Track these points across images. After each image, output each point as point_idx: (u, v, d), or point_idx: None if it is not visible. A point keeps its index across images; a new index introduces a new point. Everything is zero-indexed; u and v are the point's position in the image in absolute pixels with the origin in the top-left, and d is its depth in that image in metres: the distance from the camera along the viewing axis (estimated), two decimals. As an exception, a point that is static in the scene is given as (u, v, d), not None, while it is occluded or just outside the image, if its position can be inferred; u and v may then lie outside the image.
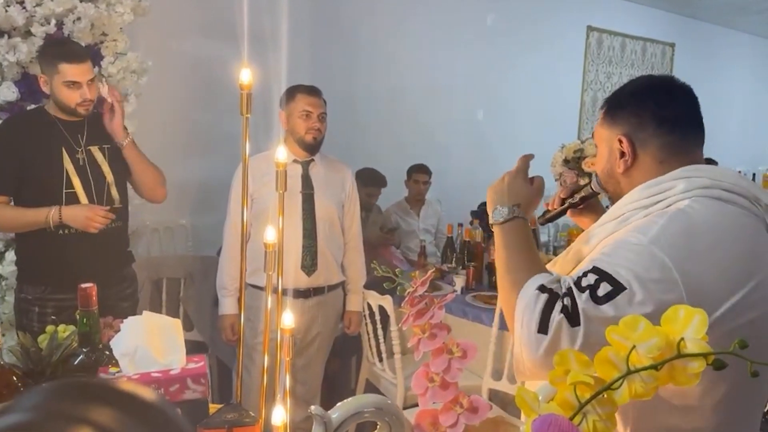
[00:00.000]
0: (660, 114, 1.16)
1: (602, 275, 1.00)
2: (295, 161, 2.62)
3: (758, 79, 9.13)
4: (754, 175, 7.10)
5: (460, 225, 3.98)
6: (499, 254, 1.22)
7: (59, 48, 2.22)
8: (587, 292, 0.99)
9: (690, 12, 7.46)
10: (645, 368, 0.78)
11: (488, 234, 3.65)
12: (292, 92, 2.62)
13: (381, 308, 2.81)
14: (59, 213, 2.16)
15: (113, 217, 2.22)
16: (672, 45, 7.65)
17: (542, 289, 1.03)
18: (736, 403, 1.09)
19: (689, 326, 0.79)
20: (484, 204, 4.68)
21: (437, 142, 5.11)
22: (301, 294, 2.64)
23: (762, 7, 7.09)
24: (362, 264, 2.84)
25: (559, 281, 1.05)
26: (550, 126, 5.81)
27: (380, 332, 2.89)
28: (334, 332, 2.87)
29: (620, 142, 1.18)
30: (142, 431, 0.37)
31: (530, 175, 1.36)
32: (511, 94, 5.80)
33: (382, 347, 2.91)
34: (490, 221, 1.26)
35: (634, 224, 1.09)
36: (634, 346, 0.79)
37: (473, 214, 4.23)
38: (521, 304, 1.04)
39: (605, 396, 0.80)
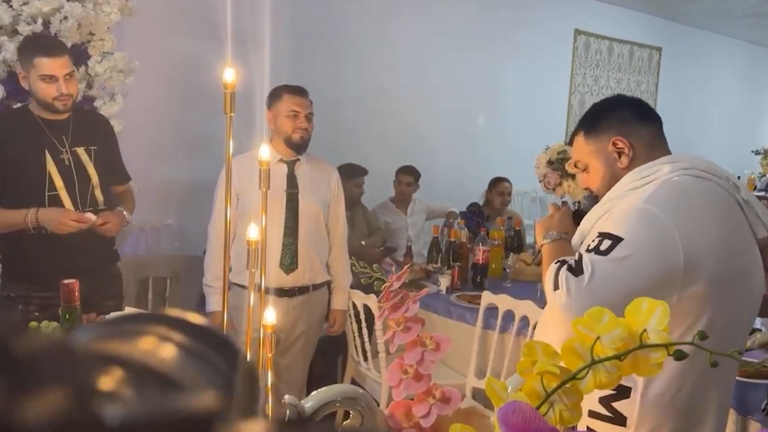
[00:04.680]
0: (636, 111, 1.42)
1: (603, 234, 1.21)
2: (280, 161, 2.63)
3: (744, 83, 9.22)
4: (738, 178, 7.17)
5: (447, 226, 4.00)
6: (546, 263, 1.44)
7: (34, 42, 2.22)
8: (593, 250, 1.21)
9: (677, 17, 7.53)
10: (609, 358, 0.81)
11: (474, 234, 3.68)
12: (278, 92, 2.63)
13: (366, 307, 2.83)
14: (36, 215, 2.17)
15: (89, 222, 2.20)
16: (659, 49, 7.72)
17: (557, 261, 1.27)
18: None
19: (652, 318, 0.81)
20: (472, 205, 4.71)
21: (425, 143, 5.13)
22: (286, 293, 2.65)
23: (747, 12, 7.17)
24: (347, 263, 2.85)
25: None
26: (538, 128, 5.85)
27: (365, 331, 2.91)
28: (318, 332, 2.88)
29: (614, 143, 1.37)
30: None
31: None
32: (498, 96, 5.84)
33: (367, 346, 2.93)
34: (541, 242, 1.50)
35: (631, 196, 1.28)
36: (598, 337, 0.82)
37: (461, 214, 4.27)
38: (546, 281, 1.29)
39: (571, 386, 0.83)
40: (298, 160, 2.68)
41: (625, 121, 1.38)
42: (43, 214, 2.17)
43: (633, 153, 1.36)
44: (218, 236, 2.64)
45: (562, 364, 0.83)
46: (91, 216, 2.22)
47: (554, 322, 1.35)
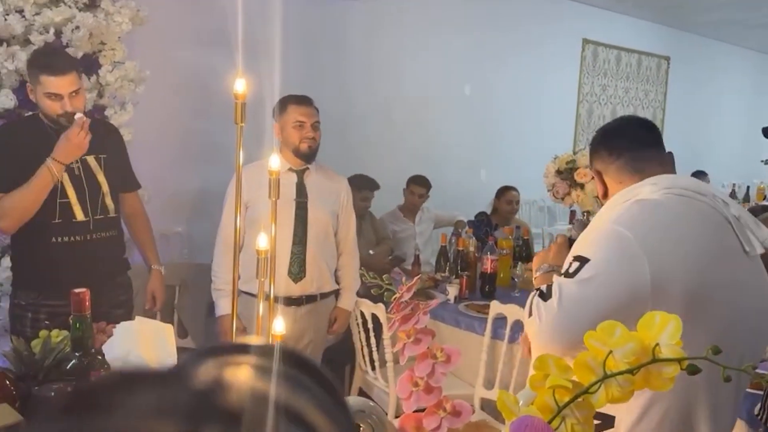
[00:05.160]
0: (609, 144, 1.46)
1: (574, 257, 1.23)
2: (290, 170, 2.64)
3: (753, 92, 9.19)
4: (748, 188, 7.13)
5: (455, 235, 4.00)
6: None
7: (41, 59, 2.20)
8: (563, 274, 1.23)
9: (685, 26, 7.52)
10: (621, 372, 0.81)
11: (482, 243, 3.68)
12: (283, 103, 2.64)
13: (374, 316, 2.83)
14: (54, 162, 2.13)
15: (83, 120, 2.13)
16: (667, 58, 7.71)
17: (536, 290, 1.28)
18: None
19: (664, 332, 0.81)
20: (480, 214, 4.71)
21: (433, 152, 5.14)
22: (294, 302, 2.66)
23: (757, 23, 7.16)
24: (356, 268, 2.87)
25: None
26: (546, 137, 5.85)
27: (373, 341, 2.91)
28: (325, 341, 2.89)
29: (593, 177, 1.50)
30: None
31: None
32: (507, 106, 5.84)
33: (375, 356, 2.92)
34: (535, 274, 1.56)
35: (605, 215, 1.32)
36: (610, 351, 0.82)
37: (470, 223, 4.26)
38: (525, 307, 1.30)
39: (583, 400, 0.83)
40: (308, 169, 2.69)
41: (600, 156, 1.47)
42: (58, 155, 2.13)
43: (604, 188, 1.45)
44: (226, 243, 2.66)
45: (574, 378, 0.83)
46: (80, 115, 2.15)
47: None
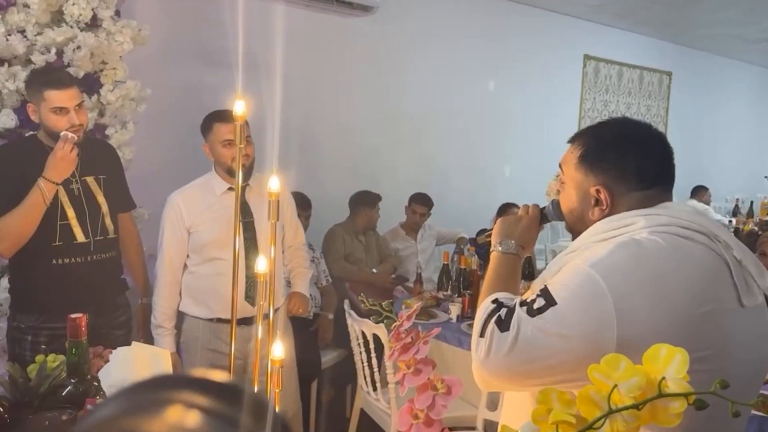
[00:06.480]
0: (642, 169, 1.19)
1: (543, 292, 1.09)
2: (230, 189, 2.52)
3: (755, 107, 9.20)
4: (752, 202, 7.11)
5: (457, 253, 3.98)
6: (488, 276, 1.32)
7: (44, 75, 2.21)
8: (526, 306, 1.09)
9: (687, 41, 7.54)
10: (626, 407, 0.78)
11: (484, 261, 3.65)
12: (207, 122, 2.51)
13: (375, 337, 2.80)
14: (44, 182, 2.10)
15: (67, 137, 2.10)
16: (669, 74, 7.72)
17: (495, 301, 1.15)
18: None
19: (670, 365, 0.79)
20: (482, 231, 4.69)
21: (435, 169, 5.13)
22: (245, 321, 2.35)
23: (759, 37, 7.17)
24: (306, 258, 2.81)
25: (513, 298, 1.16)
26: (548, 153, 5.84)
27: (374, 361, 2.88)
28: (292, 355, 2.73)
29: (598, 192, 1.20)
30: (232, 410, 0.37)
31: (527, 202, 1.45)
32: (509, 122, 5.85)
33: (377, 377, 2.89)
34: (494, 247, 1.36)
35: (589, 251, 1.13)
36: (615, 385, 0.79)
37: (471, 241, 4.24)
38: (477, 313, 1.16)
39: (587, 435, 0.80)
40: (248, 185, 2.54)
41: (623, 176, 1.19)
42: (48, 173, 2.10)
43: (610, 211, 1.20)
44: (169, 271, 2.53)
45: (578, 412, 0.81)
46: (64, 132, 2.12)
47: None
